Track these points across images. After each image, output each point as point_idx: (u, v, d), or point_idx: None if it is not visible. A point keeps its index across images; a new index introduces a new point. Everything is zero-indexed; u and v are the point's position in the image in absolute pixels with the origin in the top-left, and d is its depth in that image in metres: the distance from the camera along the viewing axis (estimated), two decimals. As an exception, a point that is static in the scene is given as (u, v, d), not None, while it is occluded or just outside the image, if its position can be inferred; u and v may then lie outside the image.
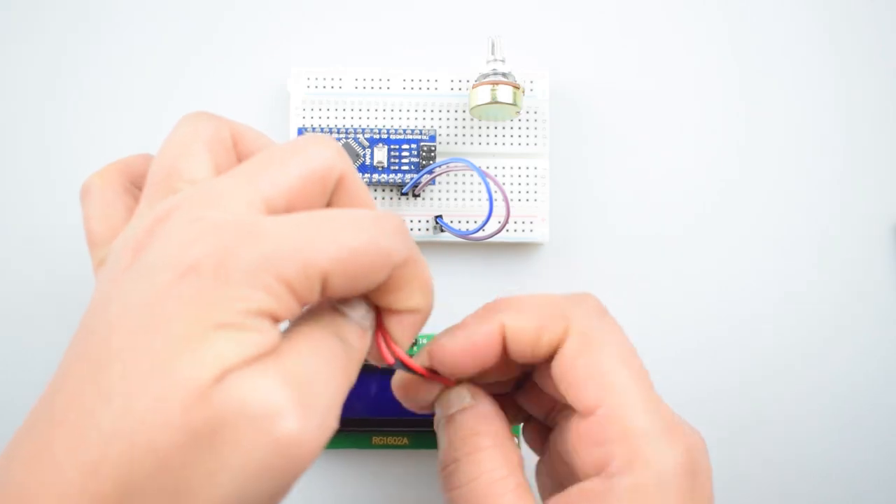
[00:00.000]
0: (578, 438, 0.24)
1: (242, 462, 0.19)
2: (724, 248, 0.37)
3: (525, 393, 0.29)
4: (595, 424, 0.23)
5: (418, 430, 0.35)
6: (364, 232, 0.21)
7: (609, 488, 0.23)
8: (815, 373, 0.37)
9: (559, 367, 0.25)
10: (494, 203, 0.34)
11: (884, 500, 0.37)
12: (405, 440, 0.35)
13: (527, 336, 0.25)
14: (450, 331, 0.26)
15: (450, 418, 0.26)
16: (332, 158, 0.22)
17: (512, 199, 0.36)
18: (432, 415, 0.29)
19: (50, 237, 0.36)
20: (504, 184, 0.36)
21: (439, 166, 0.34)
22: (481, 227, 0.34)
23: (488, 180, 0.34)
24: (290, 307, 0.20)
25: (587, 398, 0.24)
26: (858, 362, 0.37)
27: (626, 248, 0.37)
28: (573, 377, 0.24)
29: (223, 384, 0.19)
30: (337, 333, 0.22)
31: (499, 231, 0.34)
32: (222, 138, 0.24)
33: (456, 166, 0.35)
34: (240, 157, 0.25)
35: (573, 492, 0.24)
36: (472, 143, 0.36)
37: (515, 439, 0.26)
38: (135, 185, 0.26)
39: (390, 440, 0.35)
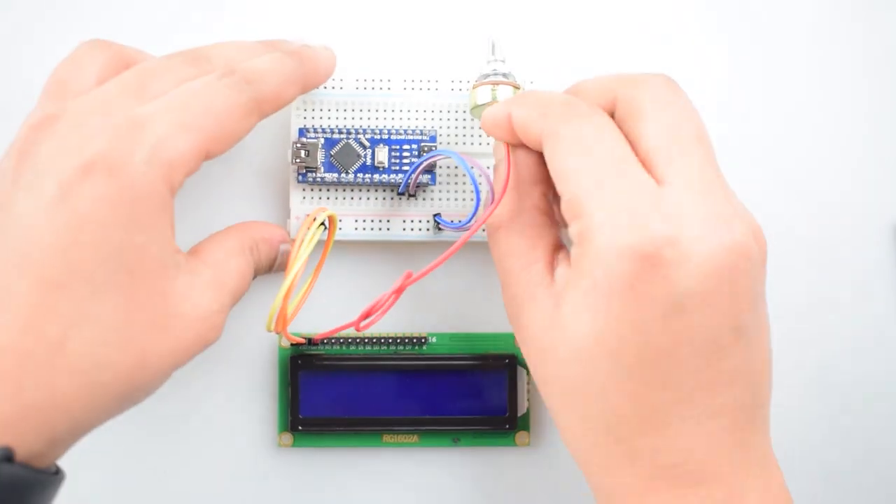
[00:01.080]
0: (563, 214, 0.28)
1: None
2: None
3: None
4: (564, 207, 0.28)
5: (428, 429, 0.35)
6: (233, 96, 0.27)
7: (574, 256, 0.27)
8: (815, 373, 0.37)
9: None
10: (481, 192, 0.34)
11: (883, 501, 0.37)
12: (415, 438, 0.35)
13: (523, 130, 0.29)
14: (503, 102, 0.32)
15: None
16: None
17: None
18: (442, 414, 0.34)
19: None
20: (504, 184, 0.35)
21: (426, 160, 0.34)
22: (471, 218, 0.34)
23: (472, 169, 0.33)
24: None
25: (558, 187, 0.28)
26: (858, 362, 0.37)
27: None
28: (551, 172, 0.28)
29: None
30: None
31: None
32: (115, 60, 0.28)
33: (442, 158, 0.35)
34: None
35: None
36: (472, 143, 0.36)
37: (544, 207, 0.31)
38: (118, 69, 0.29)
39: (401, 438, 0.35)
